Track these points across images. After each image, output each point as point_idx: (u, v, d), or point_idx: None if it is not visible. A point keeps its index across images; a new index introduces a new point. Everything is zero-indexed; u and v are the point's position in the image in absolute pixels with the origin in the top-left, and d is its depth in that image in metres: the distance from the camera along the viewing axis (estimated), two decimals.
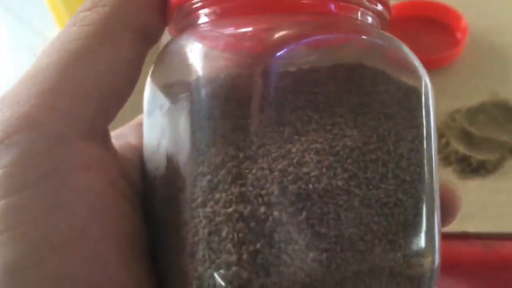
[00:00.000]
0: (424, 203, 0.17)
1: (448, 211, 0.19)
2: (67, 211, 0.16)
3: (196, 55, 0.17)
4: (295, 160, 0.15)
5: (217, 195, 0.15)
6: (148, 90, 0.19)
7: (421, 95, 0.18)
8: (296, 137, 0.16)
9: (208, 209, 0.15)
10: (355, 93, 0.17)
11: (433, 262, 0.17)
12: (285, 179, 0.15)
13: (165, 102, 0.18)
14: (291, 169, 0.15)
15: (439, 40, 0.57)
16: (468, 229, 0.43)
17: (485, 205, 0.44)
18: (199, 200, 0.16)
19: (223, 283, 0.15)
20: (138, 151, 0.20)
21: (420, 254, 0.17)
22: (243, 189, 0.15)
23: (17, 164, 0.15)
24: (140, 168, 0.19)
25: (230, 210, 0.15)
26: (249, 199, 0.15)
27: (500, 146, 0.48)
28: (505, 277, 0.44)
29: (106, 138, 0.18)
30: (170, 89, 0.18)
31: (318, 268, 0.15)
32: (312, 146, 0.16)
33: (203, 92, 0.16)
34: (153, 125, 0.19)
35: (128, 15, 0.18)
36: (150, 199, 0.18)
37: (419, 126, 0.18)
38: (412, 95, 0.18)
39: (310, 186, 0.15)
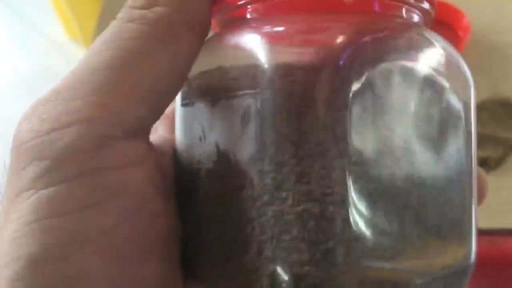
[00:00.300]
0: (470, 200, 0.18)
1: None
2: (99, 210, 0.16)
3: (262, 50, 0.17)
4: (353, 159, 0.15)
5: (283, 194, 0.15)
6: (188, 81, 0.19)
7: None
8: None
9: (276, 207, 0.15)
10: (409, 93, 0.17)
11: (474, 257, 0.18)
12: (347, 178, 0.15)
13: (215, 95, 0.18)
14: (352, 167, 0.15)
15: None
16: None
17: (487, 201, 0.44)
18: (265, 198, 0.16)
19: (295, 282, 0.15)
20: (171, 142, 0.20)
21: (467, 251, 0.18)
22: (309, 187, 0.15)
23: (58, 158, 0.16)
24: (173, 159, 0.19)
25: (299, 208, 0.15)
26: (316, 198, 0.15)
27: (501, 143, 0.49)
28: (507, 273, 0.45)
29: (149, 134, 0.18)
30: (225, 83, 0.17)
31: (386, 265, 0.15)
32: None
33: (270, 88, 0.16)
34: (193, 116, 0.18)
35: (190, 15, 0.17)
36: (192, 193, 0.18)
37: (462, 126, 0.18)
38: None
39: (372, 185, 0.16)
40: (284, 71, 0.16)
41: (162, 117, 0.20)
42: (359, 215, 0.15)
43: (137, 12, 0.17)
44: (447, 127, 0.18)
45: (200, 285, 0.18)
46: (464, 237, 0.18)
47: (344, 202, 0.15)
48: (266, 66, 0.16)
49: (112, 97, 0.16)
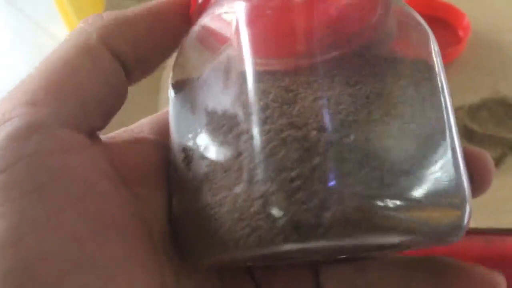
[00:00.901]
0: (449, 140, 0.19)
1: (479, 180, 0.20)
2: (42, 193, 0.17)
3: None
4: (332, 101, 0.17)
5: (268, 127, 0.17)
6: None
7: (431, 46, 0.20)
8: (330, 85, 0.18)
9: (263, 137, 0.17)
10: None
11: (462, 206, 0.19)
12: (326, 112, 0.17)
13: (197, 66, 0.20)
14: (331, 105, 0.17)
15: (441, 38, 0.58)
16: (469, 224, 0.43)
17: (486, 201, 0.44)
18: (252, 131, 0.17)
19: (286, 199, 0.16)
20: (147, 141, 0.22)
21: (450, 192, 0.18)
22: (291, 119, 0.17)
23: None
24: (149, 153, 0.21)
25: (283, 135, 0.16)
26: (299, 126, 0.17)
27: (501, 142, 0.49)
28: (505, 272, 0.45)
29: (92, 134, 0.20)
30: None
31: (372, 184, 0.16)
32: (344, 91, 0.18)
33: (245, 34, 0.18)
34: (184, 99, 0.21)
35: (109, 39, 0.20)
36: (188, 156, 0.20)
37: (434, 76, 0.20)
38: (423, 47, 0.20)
39: (350, 117, 0.17)
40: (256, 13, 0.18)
41: (152, 119, 0.22)
42: (341, 138, 0.16)
43: (79, 27, 0.20)
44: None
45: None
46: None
47: (325, 129, 0.16)
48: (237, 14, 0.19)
49: (39, 96, 0.18)
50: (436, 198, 0.18)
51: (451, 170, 0.18)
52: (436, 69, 0.20)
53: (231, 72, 0.18)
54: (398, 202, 0.16)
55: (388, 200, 0.16)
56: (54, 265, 0.16)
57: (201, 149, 0.19)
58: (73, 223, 0.17)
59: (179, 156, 0.20)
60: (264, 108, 0.17)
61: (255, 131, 0.17)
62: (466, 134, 0.49)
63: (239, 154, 0.17)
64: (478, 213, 0.45)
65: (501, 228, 0.44)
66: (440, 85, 0.20)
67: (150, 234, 0.20)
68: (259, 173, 0.16)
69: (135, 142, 0.22)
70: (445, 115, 0.19)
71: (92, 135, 0.20)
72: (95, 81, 0.19)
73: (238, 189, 0.17)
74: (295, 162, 0.16)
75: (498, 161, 0.48)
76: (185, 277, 0.20)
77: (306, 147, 0.16)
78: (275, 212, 0.16)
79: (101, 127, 0.20)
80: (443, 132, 0.19)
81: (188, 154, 0.19)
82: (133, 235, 0.19)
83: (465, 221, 0.19)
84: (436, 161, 0.18)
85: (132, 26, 0.21)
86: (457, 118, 0.53)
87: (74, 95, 0.19)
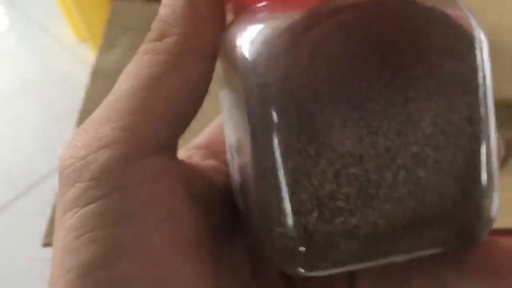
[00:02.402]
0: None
1: None
2: (134, 220, 0.18)
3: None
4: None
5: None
6: None
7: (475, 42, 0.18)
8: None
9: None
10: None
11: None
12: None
13: None
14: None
15: None
16: None
17: None
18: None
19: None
20: (201, 165, 0.23)
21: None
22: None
23: (94, 179, 0.18)
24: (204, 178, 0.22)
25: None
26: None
27: (503, 143, 0.49)
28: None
29: (174, 151, 0.21)
30: None
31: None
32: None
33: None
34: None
35: (199, 41, 0.20)
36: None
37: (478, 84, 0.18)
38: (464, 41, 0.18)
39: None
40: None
41: (198, 148, 0.24)
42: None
43: (150, 45, 0.20)
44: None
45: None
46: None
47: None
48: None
49: (133, 121, 0.19)
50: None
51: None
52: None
53: None
54: None
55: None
56: (139, 286, 0.18)
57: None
58: (157, 247, 0.18)
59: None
60: None
61: None
62: None
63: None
64: None
65: (503, 228, 0.44)
66: None
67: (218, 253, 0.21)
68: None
69: (198, 168, 0.23)
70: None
71: (174, 151, 0.21)
72: (183, 94, 0.20)
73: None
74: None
75: (502, 163, 0.48)
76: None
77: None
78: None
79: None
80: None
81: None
82: (202, 255, 0.20)
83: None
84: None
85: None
86: None
87: (167, 120, 0.19)
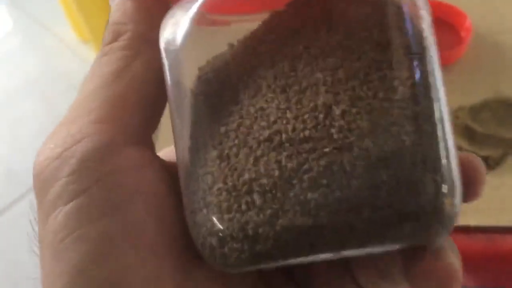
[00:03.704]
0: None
1: (470, 186, 0.18)
2: (121, 210, 0.17)
3: None
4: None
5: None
6: None
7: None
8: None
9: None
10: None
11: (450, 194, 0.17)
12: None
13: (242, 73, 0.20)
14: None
15: (443, 39, 0.58)
16: (470, 222, 0.44)
17: (487, 199, 0.45)
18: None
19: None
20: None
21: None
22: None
23: (73, 173, 0.17)
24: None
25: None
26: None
27: (502, 142, 0.49)
28: (506, 270, 0.45)
29: (152, 146, 0.20)
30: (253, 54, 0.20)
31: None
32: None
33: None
34: (213, 108, 0.20)
35: (149, 33, 0.20)
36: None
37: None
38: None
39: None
40: None
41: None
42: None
43: (107, 47, 0.20)
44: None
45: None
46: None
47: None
48: None
49: (106, 112, 0.18)
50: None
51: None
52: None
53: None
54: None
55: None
56: (136, 279, 0.17)
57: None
58: (151, 236, 0.17)
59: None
60: None
61: None
62: (468, 134, 0.50)
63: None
64: (479, 212, 0.46)
65: (502, 226, 0.44)
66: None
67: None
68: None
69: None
70: None
71: (152, 147, 0.20)
72: (151, 87, 0.20)
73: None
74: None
75: (500, 161, 0.48)
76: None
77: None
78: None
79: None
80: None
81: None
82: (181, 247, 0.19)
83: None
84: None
85: None
86: (459, 118, 0.54)
87: (137, 108, 0.19)
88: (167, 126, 0.20)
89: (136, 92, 0.19)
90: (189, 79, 0.19)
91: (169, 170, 0.20)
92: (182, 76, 0.19)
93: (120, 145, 0.18)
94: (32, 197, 0.18)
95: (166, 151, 0.23)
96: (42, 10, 1.51)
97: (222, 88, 0.19)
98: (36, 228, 0.18)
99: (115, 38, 0.20)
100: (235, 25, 0.20)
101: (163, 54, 0.19)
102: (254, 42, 0.19)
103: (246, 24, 0.19)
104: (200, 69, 0.19)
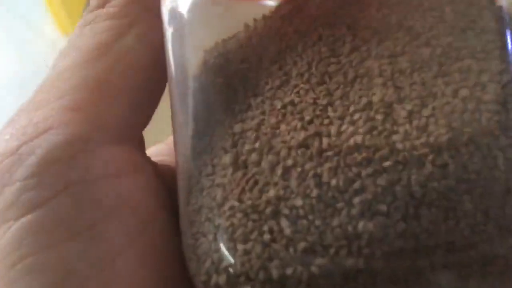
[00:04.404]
0: None
1: None
2: (94, 233, 0.13)
3: None
4: None
5: None
6: None
7: None
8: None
9: None
10: None
11: None
12: None
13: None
14: None
15: None
16: None
17: None
18: None
19: None
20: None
21: None
22: None
23: (32, 176, 0.13)
24: None
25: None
26: None
27: None
28: None
29: (142, 144, 0.16)
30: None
31: None
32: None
33: None
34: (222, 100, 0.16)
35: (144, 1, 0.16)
36: None
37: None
38: None
39: None
40: None
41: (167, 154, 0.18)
42: None
43: (91, 14, 0.16)
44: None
45: None
46: None
47: None
48: None
49: (83, 98, 0.14)
50: None
51: None
52: None
53: None
54: None
55: None
56: None
57: None
58: (131, 270, 0.13)
59: None
60: None
61: None
62: None
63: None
64: None
65: None
66: None
67: None
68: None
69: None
70: None
71: (141, 145, 0.16)
72: (143, 61, 0.15)
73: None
74: None
75: None
76: None
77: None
78: None
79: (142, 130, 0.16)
80: None
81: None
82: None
83: None
84: None
85: None
86: None
87: (125, 95, 0.15)
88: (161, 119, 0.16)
89: (125, 73, 0.15)
90: (194, 62, 0.15)
91: (163, 178, 0.15)
92: (185, 58, 0.15)
93: (98, 142, 0.14)
94: None
95: (159, 149, 0.18)
96: (24, 4, 1.47)
97: (236, 76, 0.15)
98: None
99: (102, 3, 0.16)
100: (252, 2, 0.16)
101: (166, 27, 0.15)
102: (278, 22, 0.15)
103: (266, 1, 0.16)
104: (207, 52, 0.15)
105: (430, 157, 0.12)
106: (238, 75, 0.15)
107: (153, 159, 0.16)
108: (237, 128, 0.14)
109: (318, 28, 0.15)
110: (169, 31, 0.15)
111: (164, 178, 0.15)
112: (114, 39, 0.15)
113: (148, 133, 0.17)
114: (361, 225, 0.12)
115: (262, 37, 0.15)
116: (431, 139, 0.12)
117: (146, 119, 0.16)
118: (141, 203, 0.14)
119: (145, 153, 0.16)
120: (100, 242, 0.13)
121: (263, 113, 0.14)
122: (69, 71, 0.15)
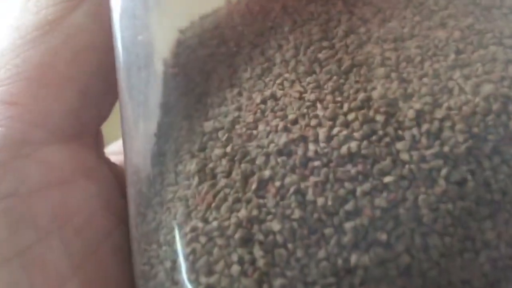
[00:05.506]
0: None
1: None
2: (29, 260, 0.11)
3: None
4: None
5: None
6: None
7: None
8: None
9: None
10: None
11: None
12: None
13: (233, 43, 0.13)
14: None
15: None
16: None
17: None
18: None
19: None
20: None
21: None
22: None
23: None
24: None
25: None
26: None
27: None
28: None
29: (97, 142, 0.13)
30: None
31: None
32: None
33: None
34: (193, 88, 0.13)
35: None
36: None
37: None
38: None
39: None
40: None
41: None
42: None
43: None
44: None
45: None
46: None
47: None
48: None
49: (19, 87, 0.12)
50: None
51: None
52: None
53: None
54: None
55: None
56: None
57: None
58: None
59: None
60: None
61: None
62: None
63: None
64: None
65: None
66: None
67: None
68: None
69: None
70: None
71: (96, 143, 0.14)
72: (95, 42, 0.13)
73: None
74: None
75: None
76: None
77: None
78: None
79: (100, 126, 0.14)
80: None
81: None
82: None
83: None
84: None
85: None
86: None
87: (73, 83, 0.13)
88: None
89: (74, 57, 0.13)
90: (162, 44, 0.13)
91: (124, 182, 0.13)
92: (150, 39, 0.13)
93: (37, 144, 0.12)
94: None
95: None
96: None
97: (211, 62, 0.13)
98: None
99: None
100: None
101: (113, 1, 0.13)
102: None
103: None
104: (181, 31, 0.13)
105: (444, 172, 0.10)
106: (213, 61, 0.12)
107: (113, 158, 0.14)
108: (208, 126, 0.11)
109: (309, 4, 0.12)
110: (118, 6, 0.12)
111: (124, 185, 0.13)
112: (60, 17, 0.13)
113: (111, 127, 0.15)
114: (354, 258, 0.09)
115: (244, 14, 0.13)
116: (446, 148, 0.10)
117: (103, 111, 0.13)
118: (90, 219, 0.12)
119: (102, 153, 0.14)
120: (35, 271, 0.11)
121: (239, 108, 0.11)
122: (5, 56, 0.12)
